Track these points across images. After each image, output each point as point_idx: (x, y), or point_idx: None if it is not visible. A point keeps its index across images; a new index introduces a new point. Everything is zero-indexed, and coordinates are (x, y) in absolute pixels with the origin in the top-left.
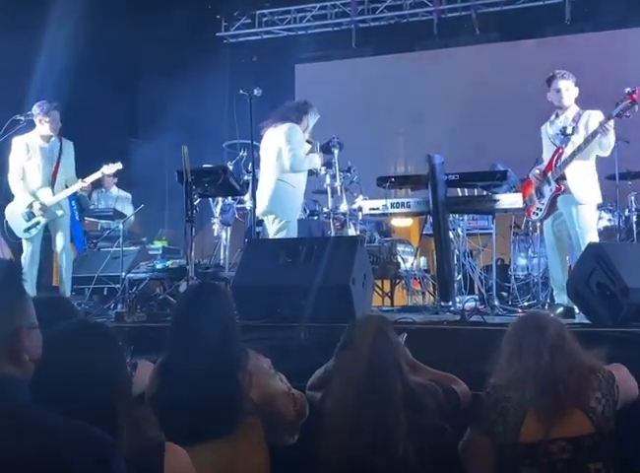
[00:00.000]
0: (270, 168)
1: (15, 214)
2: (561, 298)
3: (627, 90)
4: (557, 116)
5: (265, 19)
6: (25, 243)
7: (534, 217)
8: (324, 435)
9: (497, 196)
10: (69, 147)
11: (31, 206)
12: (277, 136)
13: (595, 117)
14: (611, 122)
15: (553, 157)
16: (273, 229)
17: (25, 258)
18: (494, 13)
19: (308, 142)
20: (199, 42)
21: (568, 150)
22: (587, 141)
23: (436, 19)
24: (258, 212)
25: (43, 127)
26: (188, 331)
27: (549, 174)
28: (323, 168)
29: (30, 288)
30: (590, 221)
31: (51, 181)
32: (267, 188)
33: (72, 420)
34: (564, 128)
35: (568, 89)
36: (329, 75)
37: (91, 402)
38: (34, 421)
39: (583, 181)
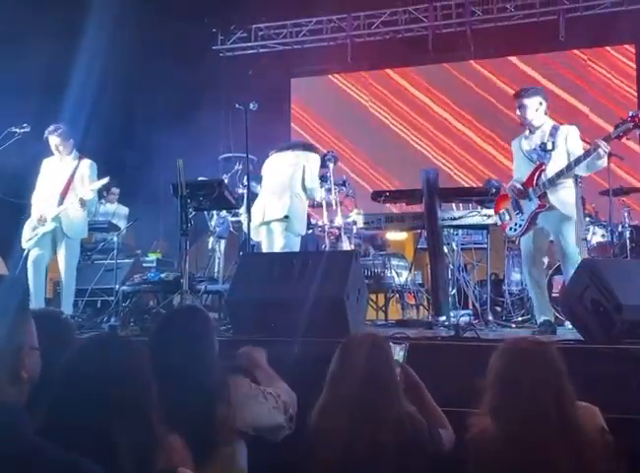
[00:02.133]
0: (286, 181)
1: (27, 227)
2: (546, 314)
3: (630, 113)
4: (532, 132)
5: (261, 33)
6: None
7: (510, 233)
8: (314, 451)
9: (491, 211)
10: (86, 167)
11: (36, 218)
12: (301, 159)
13: (573, 133)
14: (608, 145)
15: (535, 172)
16: (280, 241)
17: (28, 267)
18: (489, 29)
19: None
20: (195, 55)
21: (552, 167)
22: (578, 161)
23: (431, 34)
24: (269, 217)
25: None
26: (159, 360)
27: (530, 190)
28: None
29: (34, 296)
30: (574, 235)
31: (60, 198)
32: (282, 198)
33: (67, 452)
34: (544, 144)
35: (528, 105)
36: (324, 89)
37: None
38: (35, 452)
39: (565, 196)
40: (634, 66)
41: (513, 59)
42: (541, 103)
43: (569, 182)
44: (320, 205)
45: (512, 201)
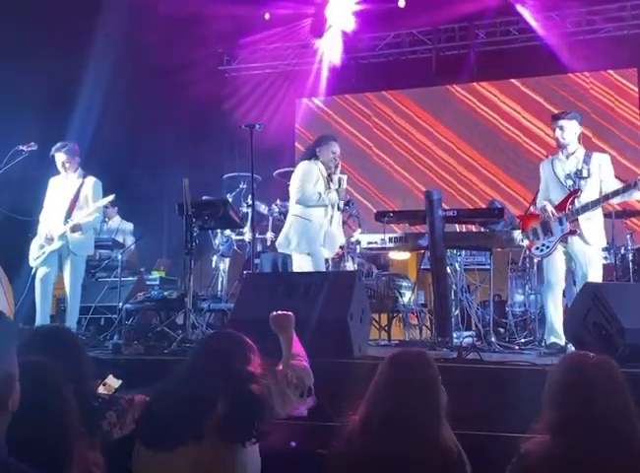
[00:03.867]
0: (290, 205)
1: (34, 244)
2: (557, 337)
3: None
4: (567, 157)
5: (267, 54)
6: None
7: (537, 252)
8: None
9: (494, 233)
10: (91, 186)
11: (42, 236)
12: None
13: (607, 162)
14: None
15: (569, 198)
16: (296, 262)
17: (36, 285)
18: (493, 52)
19: (334, 175)
20: (201, 75)
21: (586, 194)
22: (617, 193)
23: (435, 57)
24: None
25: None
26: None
27: (563, 215)
28: (342, 203)
29: (40, 313)
30: (597, 263)
31: (66, 215)
32: (285, 225)
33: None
34: (580, 171)
35: (567, 128)
36: (328, 109)
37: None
38: None
39: (593, 225)
40: (636, 89)
41: (516, 82)
42: (575, 127)
43: (599, 210)
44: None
45: (542, 222)
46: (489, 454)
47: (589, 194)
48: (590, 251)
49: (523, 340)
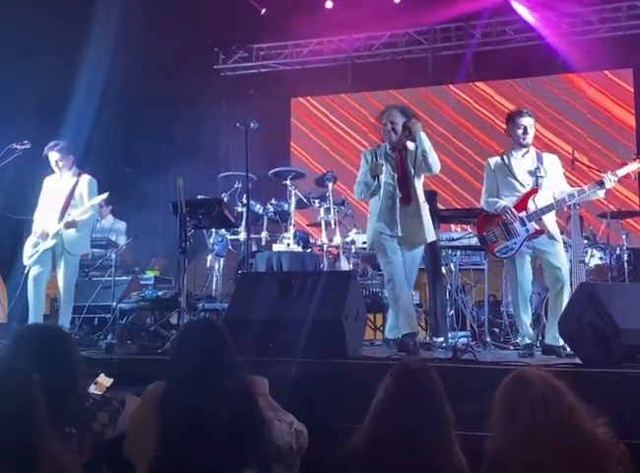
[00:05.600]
0: None
1: (28, 243)
2: (531, 337)
3: None
4: (523, 156)
5: (262, 53)
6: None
7: (500, 254)
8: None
9: None
10: (85, 184)
11: (37, 234)
12: None
13: (558, 162)
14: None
15: (527, 197)
16: None
17: (28, 284)
18: (489, 51)
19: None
20: (197, 75)
21: (543, 193)
22: (582, 191)
23: (431, 56)
24: None
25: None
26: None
27: (524, 215)
28: (380, 178)
29: (33, 313)
30: (565, 258)
31: (61, 214)
32: None
33: None
34: (537, 169)
35: (532, 126)
36: (324, 108)
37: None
38: None
39: (554, 221)
40: (632, 90)
41: (512, 82)
42: (533, 127)
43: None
44: (319, 224)
45: (503, 223)
46: (484, 455)
47: (546, 193)
48: (558, 248)
49: (518, 340)
